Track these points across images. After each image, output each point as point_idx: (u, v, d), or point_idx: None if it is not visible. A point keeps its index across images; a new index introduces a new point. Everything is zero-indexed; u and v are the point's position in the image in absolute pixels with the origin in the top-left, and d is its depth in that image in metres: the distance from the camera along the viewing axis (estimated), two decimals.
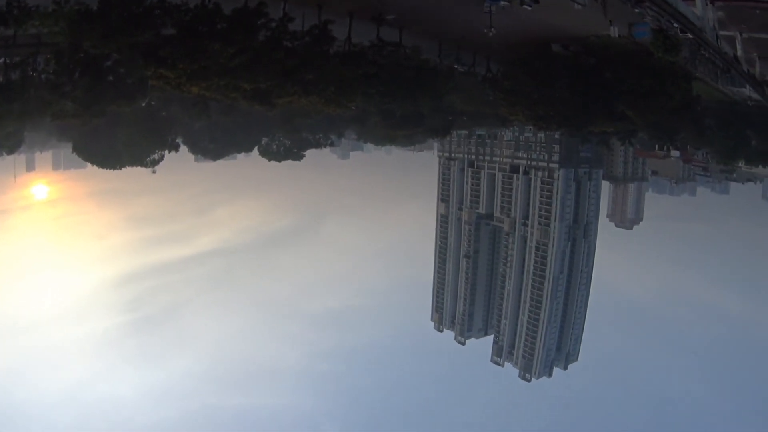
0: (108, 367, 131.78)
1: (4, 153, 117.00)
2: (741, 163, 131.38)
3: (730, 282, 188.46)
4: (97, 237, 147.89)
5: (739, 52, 55.63)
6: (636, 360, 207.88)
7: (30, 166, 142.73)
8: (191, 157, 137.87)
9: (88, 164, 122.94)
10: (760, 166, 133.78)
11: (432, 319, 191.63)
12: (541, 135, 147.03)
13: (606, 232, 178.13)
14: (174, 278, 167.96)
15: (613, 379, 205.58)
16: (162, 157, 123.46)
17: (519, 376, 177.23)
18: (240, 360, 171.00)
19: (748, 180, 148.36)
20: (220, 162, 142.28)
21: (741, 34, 52.80)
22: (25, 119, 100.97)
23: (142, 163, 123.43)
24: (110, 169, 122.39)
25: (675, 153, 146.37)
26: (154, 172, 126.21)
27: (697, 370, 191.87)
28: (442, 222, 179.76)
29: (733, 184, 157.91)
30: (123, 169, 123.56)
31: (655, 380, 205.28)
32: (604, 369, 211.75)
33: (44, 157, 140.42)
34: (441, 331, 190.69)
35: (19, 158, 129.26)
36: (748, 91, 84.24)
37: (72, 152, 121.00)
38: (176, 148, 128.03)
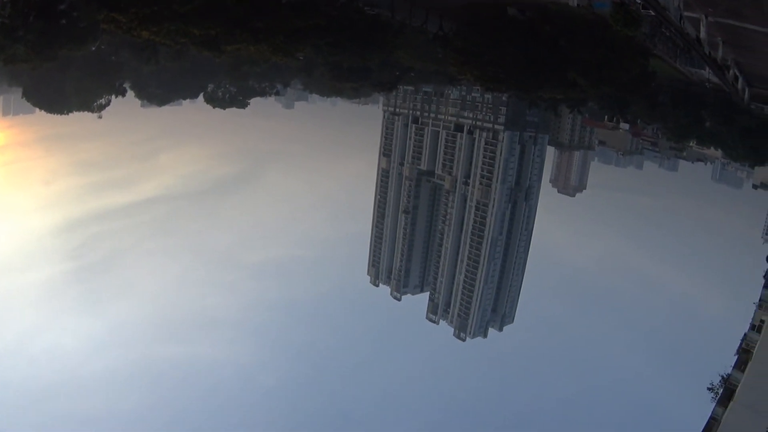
0: (51, 316, 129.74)
1: None
2: (692, 143, 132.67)
3: (670, 255, 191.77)
4: (44, 183, 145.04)
5: (703, 35, 55.48)
6: (571, 325, 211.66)
7: None
8: (138, 102, 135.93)
9: (37, 109, 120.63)
10: (712, 148, 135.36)
11: (368, 274, 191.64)
12: (488, 96, 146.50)
13: (548, 197, 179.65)
14: (117, 225, 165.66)
15: (547, 343, 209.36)
16: (109, 102, 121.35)
17: (454, 334, 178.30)
18: (181, 308, 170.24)
19: (699, 160, 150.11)
20: (166, 108, 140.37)
21: (707, 18, 52.59)
22: None
23: (89, 108, 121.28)
24: (58, 114, 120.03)
25: (624, 125, 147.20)
26: (100, 117, 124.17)
27: (630, 337, 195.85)
28: (383, 176, 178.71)
29: (682, 162, 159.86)
30: (71, 114, 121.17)
31: (589, 346, 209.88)
32: (539, 332, 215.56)
33: None
34: (377, 285, 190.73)
35: None
36: (707, 73, 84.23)
37: (22, 97, 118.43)
38: (123, 93, 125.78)
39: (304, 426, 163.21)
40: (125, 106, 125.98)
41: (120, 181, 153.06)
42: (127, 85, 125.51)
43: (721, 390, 58.29)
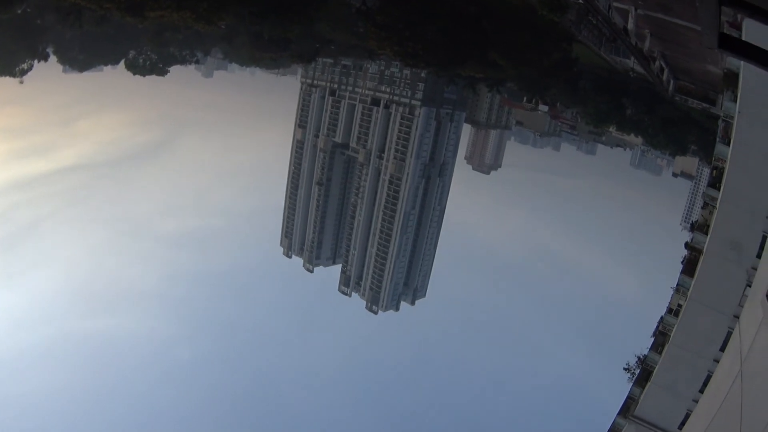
0: None
1: None
2: (612, 128, 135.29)
3: (587, 237, 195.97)
4: None
5: (631, 26, 56.77)
6: (483, 301, 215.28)
7: None
8: (59, 68, 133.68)
9: None
10: (632, 135, 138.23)
11: (281, 245, 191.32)
12: (407, 72, 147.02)
13: (462, 174, 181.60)
14: (34, 194, 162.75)
15: (459, 317, 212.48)
16: (31, 67, 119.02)
17: (366, 307, 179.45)
18: (98, 281, 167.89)
19: (618, 145, 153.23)
20: (87, 73, 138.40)
21: (636, 10, 53.88)
22: None
23: (11, 72, 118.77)
24: None
25: (543, 107, 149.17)
26: (21, 82, 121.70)
27: (545, 316, 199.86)
28: (298, 147, 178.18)
29: (600, 147, 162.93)
30: None
31: (502, 322, 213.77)
32: (451, 307, 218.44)
33: None
34: (290, 257, 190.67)
35: None
36: (632, 63, 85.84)
37: None
38: (46, 57, 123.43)
39: (220, 400, 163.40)
40: (47, 71, 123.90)
41: (39, 148, 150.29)
42: (50, 50, 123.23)
43: (638, 371, 60.15)
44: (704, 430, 20.36)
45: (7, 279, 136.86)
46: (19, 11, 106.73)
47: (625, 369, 66.32)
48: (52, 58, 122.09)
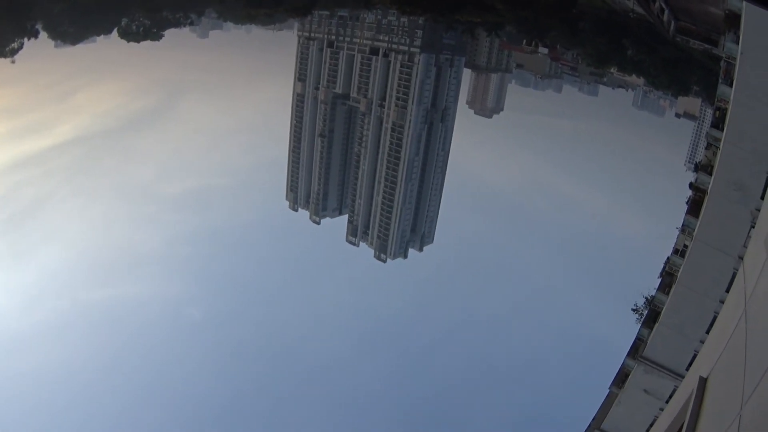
0: None
1: None
2: (613, 69, 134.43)
3: (592, 179, 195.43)
4: None
5: None
6: (491, 245, 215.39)
7: None
8: (51, 43, 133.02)
9: None
10: (633, 75, 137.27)
11: (287, 199, 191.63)
12: (404, 19, 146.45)
13: (465, 119, 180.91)
14: (36, 171, 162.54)
15: (468, 263, 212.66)
16: (21, 46, 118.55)
17: (374, 256, 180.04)
18: (106, 249, 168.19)
19: (620, 86, 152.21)
20: (80, 46, 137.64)
21: None
22: None
23: (1, 53, 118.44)
24: None
25: (543, 50, 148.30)
26: (13, 61, 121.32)
27: (553, 259, 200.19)
28: (298, 101, 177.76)
29: (602, 88, 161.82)
30: None
31: (510, 267, 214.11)
32: (458, 252, 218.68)
33: None
34: (296, 210, 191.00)
35: None
36: (631, 3, 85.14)
37: None
38: (36, 34, 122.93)
39: (235, 355, 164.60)
40: (38, 48, 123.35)
41: (36, 125, 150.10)
42: (39, 26, 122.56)
43: (646, 311, 60.54)
44: (710, 371, 20.56)
45: (16, 258, 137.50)
46: None
47: (633, 310, 66.96)
48: (42, 35, 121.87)
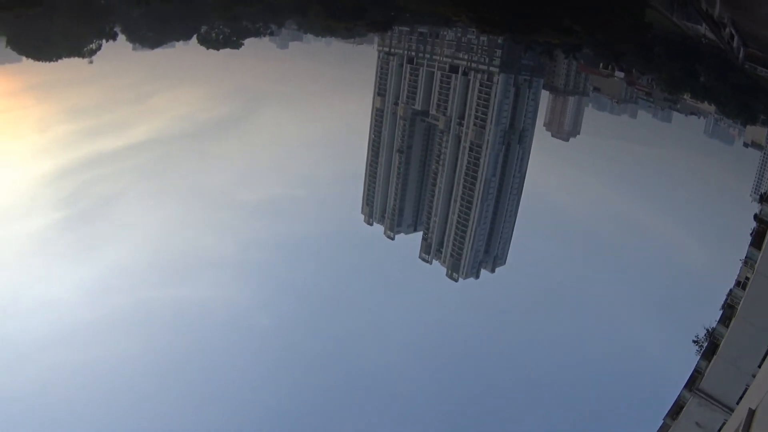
0: (45, 266, 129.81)
1: None
2: (686, 96, 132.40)
3: (660, 206, 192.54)
4: (35, 131, 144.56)
5: None
6: (561, 269, 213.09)
7: None
8: (129, 46, 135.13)
9: (23, 58, 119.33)
10: (705, 102, 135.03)
11: (362, 212, 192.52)
12: (483, 38, 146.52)
13: (542, 141, 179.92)
14: (110, 170, 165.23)
15: (538, 286, 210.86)
16: (99, 47, 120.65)
17: (446, 274, 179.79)
18: (175, 251, 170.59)
19: (692, 113, 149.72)
20: (158, 50, 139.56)
21: None
22: None
23: (79, 53, 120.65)
24: (46, 61, 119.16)
25: (619, 74, 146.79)
26: (91, 62, 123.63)
27: (618, 283, 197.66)
28: (378, 116, 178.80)
29: (675, 114, 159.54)
30: (60, 60, 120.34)
31: (577, 291, 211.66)
32: (530, 275, 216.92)
33: None
34: (371, 224, 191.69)
35: None
36: (703, 29, 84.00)
37: (6, 47, 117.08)
38: (114, 37, 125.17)
39: (299, 363, 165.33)
40: (116, 50, 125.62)
41: (112, 125, 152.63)
42: (117, 29, 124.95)
43: (706, 343, 59.61)
44: (758, 402, 20.25)
45: (85, 252, 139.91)
46: None
47: (694, 341, 65.87)
48: (121, 37, 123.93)
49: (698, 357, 58.34)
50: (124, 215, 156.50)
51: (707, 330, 61.44)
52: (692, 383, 55.00)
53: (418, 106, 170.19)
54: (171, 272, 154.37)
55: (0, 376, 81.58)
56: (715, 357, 53.13)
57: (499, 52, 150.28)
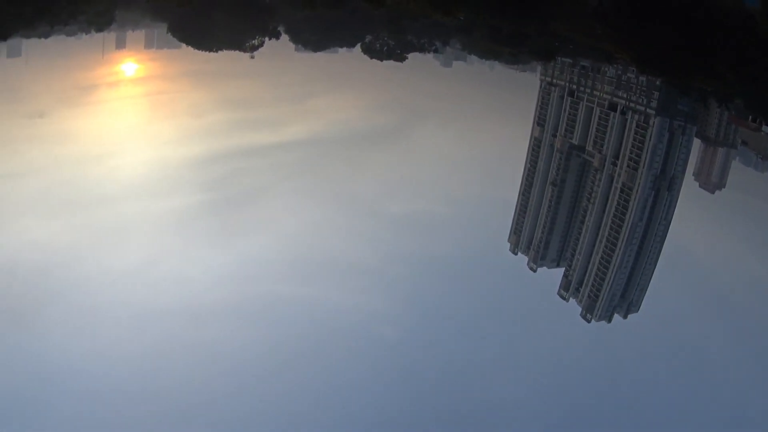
0: (179, 245, 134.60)
1: (93, 30, 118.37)
2: None
3: None
4: (189, 116, 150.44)
5: None
6: (692, 325, 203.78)
7: (120, 44, 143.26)
8: (291, 46, 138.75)
9: (183, 45, 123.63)
10: None
11: (509, 240, 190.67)
12: (642, 78, 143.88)
13: (688, 190, 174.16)
14: (260, 163, 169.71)
15: (668, 338, 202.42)
16: (262, 44, 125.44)
17: (580, 314, 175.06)
18: (312, 251, 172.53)
19: None
20: (321, 54, 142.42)
21: None
22: None
23: (240, 47, 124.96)
24: (207, 51, 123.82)
25: (767, 128, 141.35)
26: (252, 57, 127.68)
27: (750, 356, 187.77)
28: (535, 145, 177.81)
29: None
30: (220, 51, 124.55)
31: (709, 352, 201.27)
32: (661, 326, 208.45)
33: (136, 36, 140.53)
34: (516, 254, 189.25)
35: (109, 36, 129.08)
36: None
37: (167, 32, 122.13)
38: (277, 36, 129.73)
39: (417, 381, 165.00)
40: (278, 49, 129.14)
41: (268, 121, 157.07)
42: (281, 29, 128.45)
43: None
44: None
45: (222, 239, 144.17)
46: None
47: None
48: (284, 37, 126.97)
49: None
50: (266, 208, 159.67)
51: None
52: None
53: (575, 141, 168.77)
54: (304, 271, 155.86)
55: (121, 340, 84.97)
56: None
57: (656, 94, 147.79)
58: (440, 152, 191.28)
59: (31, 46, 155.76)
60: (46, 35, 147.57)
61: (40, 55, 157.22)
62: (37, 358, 61.51)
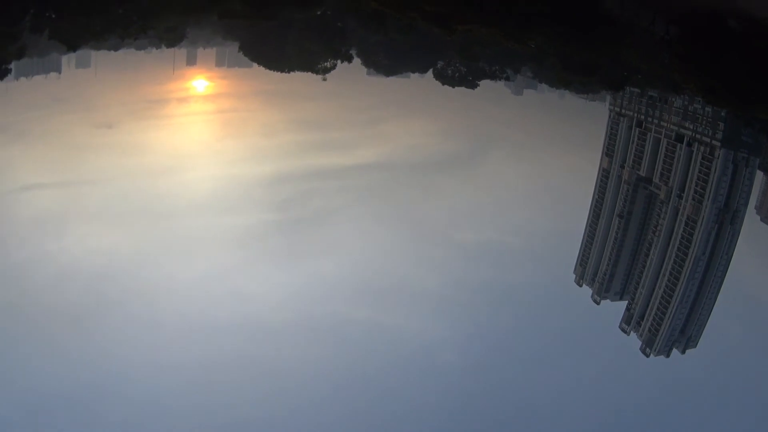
0: (243, 262, 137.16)
1: (164, 46, 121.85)
2: None
3: None
4: (259, 135, 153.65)
5: None
6: (749, 362, 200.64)
7: (191, 61, 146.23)
8: (363, 70, 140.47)
9: (254, 65, 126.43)
10: None
11: (574, 272, 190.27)
12: (708, 109, 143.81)
13: (750, 224, 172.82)
14: (329, 185, 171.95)
15: (724, 376, 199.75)
16: (334, 66, 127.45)
17: (640, 348, 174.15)
18: (379, 275, 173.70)
19: None
20: (393, 78, 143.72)
21: None
22: (189, 15, 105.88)
23: (312, 69, 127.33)
24: (278, 71, 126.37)
25: None
26: (324, 79, 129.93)
27: None
28: (603, 176, 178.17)
29: None
30: (291, 72, 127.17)
31: (765, 390, 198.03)
32: (719, 362, 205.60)
33: (207, 53, 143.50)
34: (580, 285, 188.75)
35: (180, 52, 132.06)
36: None
37: (239, 51, 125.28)
38: (349, 59, 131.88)
39: (480, 406, 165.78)
40: (350, 72, 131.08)
41: (339, 144, 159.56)
42: (353, 52, 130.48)
43: None
44: None
45: (288, 259, 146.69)
46: (318, 12, 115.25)
47: None
48: (356, 61, 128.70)
49: None
50: (334, 231, 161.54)
51: None
52: None
53: (642, 172, 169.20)
54: (369, 295, 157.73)
55: (176, 352, 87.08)
56: None
57: (722, 125, 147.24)
58: (509, 180, 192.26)
59: (100, 57, 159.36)
60: (116, 48, 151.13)
61: (110, 67, 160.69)
62: (92, 364, 63.42)
